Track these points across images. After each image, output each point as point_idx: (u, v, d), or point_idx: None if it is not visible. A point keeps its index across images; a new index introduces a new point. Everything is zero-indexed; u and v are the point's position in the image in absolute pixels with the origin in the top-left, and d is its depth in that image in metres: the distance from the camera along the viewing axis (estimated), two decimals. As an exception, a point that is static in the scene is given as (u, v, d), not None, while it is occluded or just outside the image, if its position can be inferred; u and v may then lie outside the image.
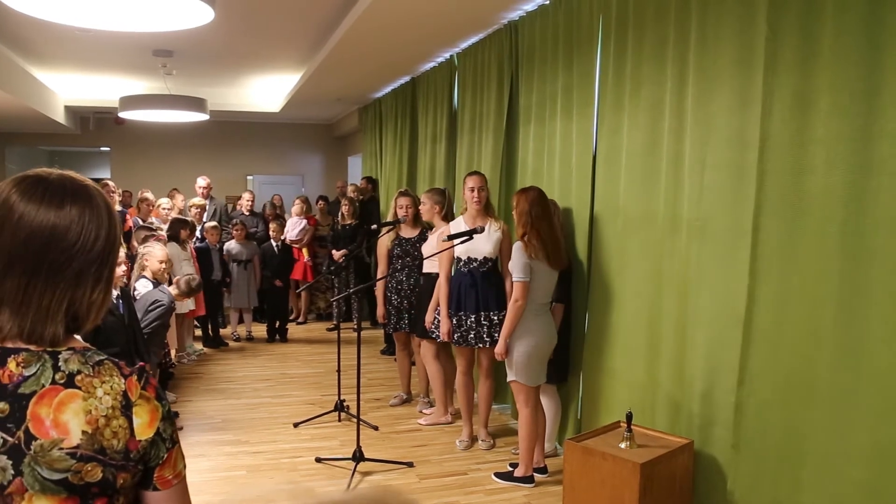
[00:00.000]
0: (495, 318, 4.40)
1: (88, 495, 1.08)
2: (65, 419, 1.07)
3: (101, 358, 1.13)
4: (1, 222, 1.09)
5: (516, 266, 3.87)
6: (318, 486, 0.54)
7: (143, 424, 1.12)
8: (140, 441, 1.11)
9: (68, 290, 1.10)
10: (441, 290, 4.65)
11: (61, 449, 1.06)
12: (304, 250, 8.53)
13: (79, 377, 1.09)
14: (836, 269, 2.56)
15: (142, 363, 1.20)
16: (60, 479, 1.06)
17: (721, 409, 3.16)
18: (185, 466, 1.20)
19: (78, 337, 1.16)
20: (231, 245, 7.73)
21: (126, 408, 1.11)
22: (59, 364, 1.09)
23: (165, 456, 1.15)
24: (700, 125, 3.24)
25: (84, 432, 1.07)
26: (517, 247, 3.89)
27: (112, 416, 1.09)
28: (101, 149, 11.96)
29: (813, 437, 2.67)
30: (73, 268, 1.11)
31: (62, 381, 1.08)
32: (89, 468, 1.07)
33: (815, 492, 2.66)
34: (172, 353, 6.14)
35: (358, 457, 4.26)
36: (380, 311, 5.53)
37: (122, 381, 1.12)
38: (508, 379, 4.05)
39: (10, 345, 1.09)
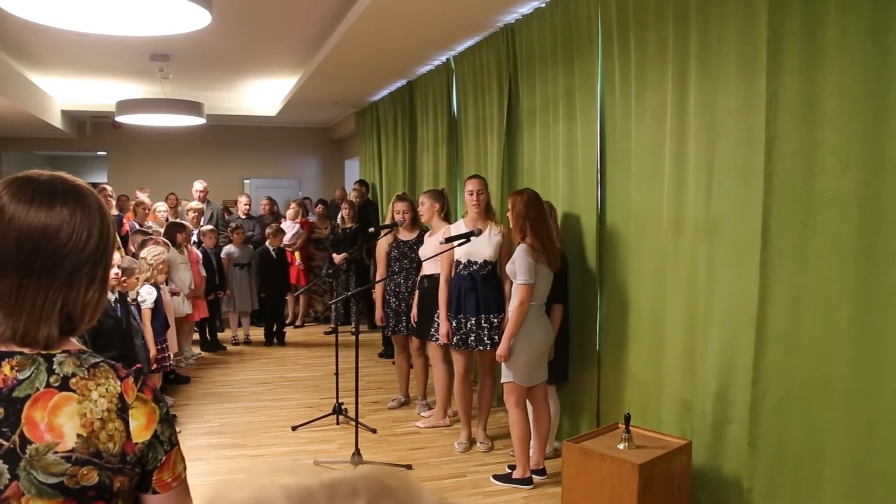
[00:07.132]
0: (495, 320, 4.40)
1: (85, 499, 1.07)
2: (59, 423, 1.05)
3: (97, 360, 1.12)
4: None
5: (522, 269, 3.85)
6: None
7: (140, 427, 1.11)
8: (137, 444, 1.10)
9: (61, 291, 1.09)
10: (440, 293, 4.66)
11: (56, 453, 1.05)
12: (297, 254, 8.52)
13: (73, 380, 1.08)
14: (853, 268, 2.58)
15: (138, 365, 1.19)
16: (56, 482, 1.05)
17: (735, 407, 3.18)
18: (185, 469, 1.19)
19: (74, 339, 1.15)
20: (231, 249, 7.73)
21: (122, 410, 1.09)
22: (54, 367, 1.08)
23: (164, 458, 1.14)
24: (707, 127, 3.26)
25: (79, 436, 1.06)
26: (522, 249, 3.88)
27: (108, 418, 1.08)
28: (98, 153, 11.95)
29: (833, 433, 2.69)
30: (66, 268, 1.09)
31: (56, 385, 1.07)
32: (85, 472, 1.06)
33: (838, 486, 2.68)
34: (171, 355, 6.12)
35: (356, 460, 4.26)
36: (378, 313, 5.54)
37: (118, 383, 1.11)
38: (503, 380, 4.05)
39: (3, 348, 1.08)
